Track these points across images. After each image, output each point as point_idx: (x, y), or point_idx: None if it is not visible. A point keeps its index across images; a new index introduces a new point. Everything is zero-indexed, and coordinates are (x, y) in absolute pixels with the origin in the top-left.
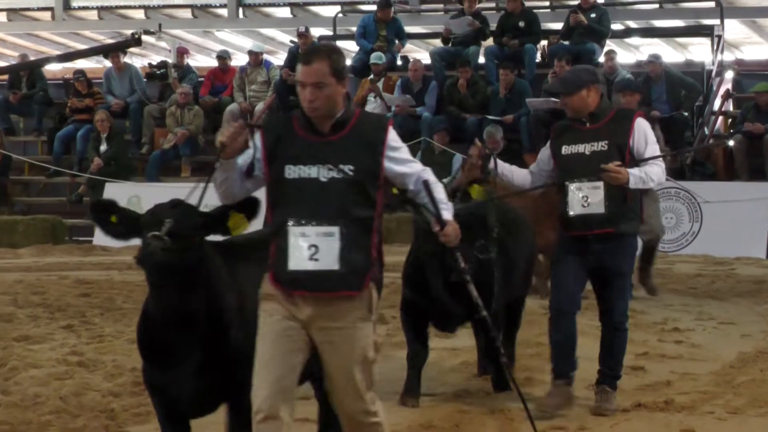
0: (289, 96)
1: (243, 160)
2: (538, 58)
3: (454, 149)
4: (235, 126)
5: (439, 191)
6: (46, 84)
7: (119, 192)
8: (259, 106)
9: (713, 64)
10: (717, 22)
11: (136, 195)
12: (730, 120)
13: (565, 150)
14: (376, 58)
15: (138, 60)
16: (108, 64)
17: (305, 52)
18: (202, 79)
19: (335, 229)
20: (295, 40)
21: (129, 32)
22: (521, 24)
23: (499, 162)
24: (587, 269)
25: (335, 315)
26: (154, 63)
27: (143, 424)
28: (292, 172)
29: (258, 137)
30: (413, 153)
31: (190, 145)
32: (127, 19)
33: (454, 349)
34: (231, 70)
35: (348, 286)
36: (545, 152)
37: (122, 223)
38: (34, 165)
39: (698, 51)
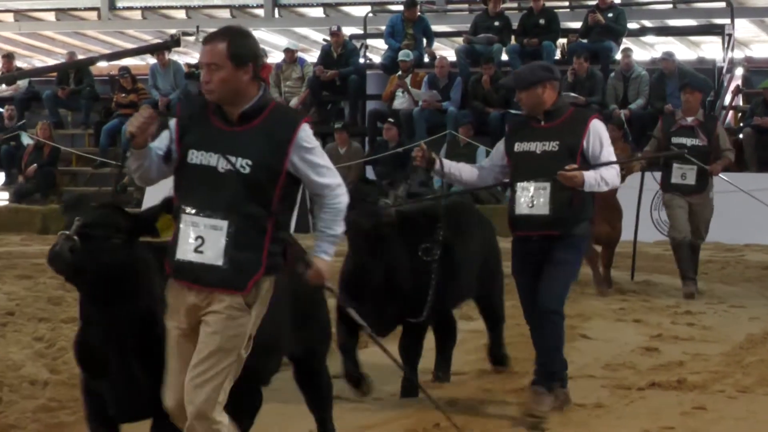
0: (321, 91)
1: (160, 144)
2: (558, 56)
3: (478, 142)
4: (144, 116)
5: (337, 226)
6: (93, 80)
7: (162, 182)
8: (294, 101)
9: (724, 61)
10: (728, 21)
11: None
12: (740, 114)
13: (518, 147)
14: (404, 55)
15: (178, 59)
16: (152, 60)
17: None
18: None
19: (223, 224)
20: (328, 38)
21: (171, 31)
22: (541, 22)
23: (446, 162)
24: (539, 270)
25: (214, 301)
26: (192, 63)
27: None
28: (194, 157)
29: (173, 122)
30: (439, 146)
31: None
32: (169, 19)
33: (477, 330)
34: (267, 67)
35: (230, 285)
36: (500, 147)
37: None
38: (82, 156)
39: (710, 49)
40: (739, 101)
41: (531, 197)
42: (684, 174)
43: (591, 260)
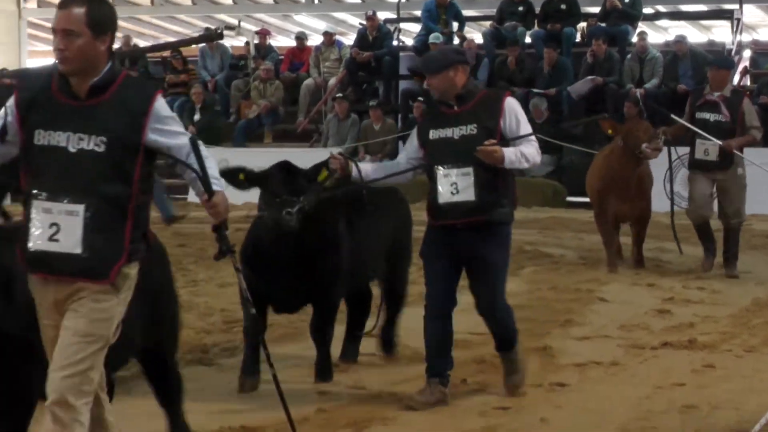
0: (358, 72)
1: None
2: (578, 39)
3: None
4: None
5: (211, 164)
6: (147, 62)
7: (210, 155)
8: (332, 81)
9: (733, 44)
10: (736, 6)
11: (225, 158)
12: (747, 93)
13: (433, 135)
14: (434, 38)
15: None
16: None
17: None
18: (282, 57)
19: (80, 208)
20: (364, 22)
21: (219, 16)
22: (563, 7)
23: (363, 166)
24: (460, 262)
25: (76, 291)
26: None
27: (230, 358)
28: (41, 138)
29: (12, 99)
30: None
31: (272, 115)
32: (216, 5)
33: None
34: (307, 49)
35: (91, 274)
36: (413, 142)
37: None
38: None
39: (720, 32)
40: (747, 81)
41: (453, 184)
42: (707, 150)
43: (607, 243)
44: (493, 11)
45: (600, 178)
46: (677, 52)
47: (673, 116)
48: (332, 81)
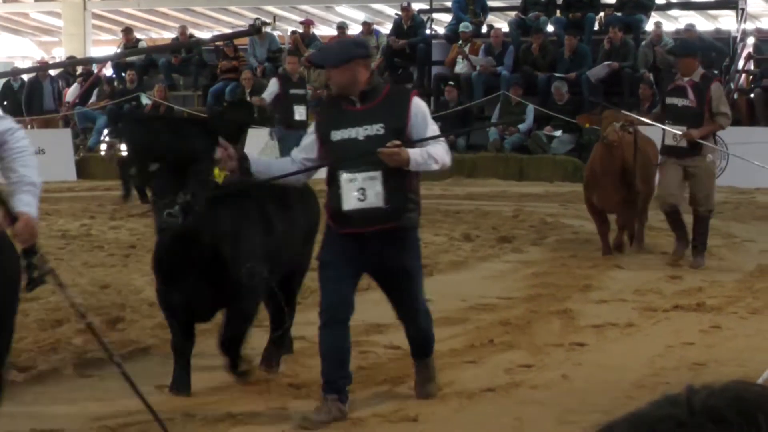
0: (394, 58)
1: None
2: (596, 27)
3: (528, 101)
4: None
5: (33, 173)
6: (201, 50)
7: (259, 136)
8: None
9: (738, 32)
10: None
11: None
12: (751, 77)
13: (335, 135)
14: (464, 26)
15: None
16: None
17: None
18: (325, 45)
19: None
20: (400, 13)
21: (267, 7)
22: None
23: (254, 159)
24: (364, 269)
25: None
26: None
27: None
28: None
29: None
30: (494, 105)
31: (316, 99)
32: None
33: (527, 261)
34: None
35: None
36: (309, 138)
37: None
38: (193, 114)
39: (726, 21)
40: (751, 66)
41: (361, 189)
42: (675, 136)
43: (600, 232)
44: (518, 2)
45: (587, 169)
46: (687, 39)
47: (605, 104)
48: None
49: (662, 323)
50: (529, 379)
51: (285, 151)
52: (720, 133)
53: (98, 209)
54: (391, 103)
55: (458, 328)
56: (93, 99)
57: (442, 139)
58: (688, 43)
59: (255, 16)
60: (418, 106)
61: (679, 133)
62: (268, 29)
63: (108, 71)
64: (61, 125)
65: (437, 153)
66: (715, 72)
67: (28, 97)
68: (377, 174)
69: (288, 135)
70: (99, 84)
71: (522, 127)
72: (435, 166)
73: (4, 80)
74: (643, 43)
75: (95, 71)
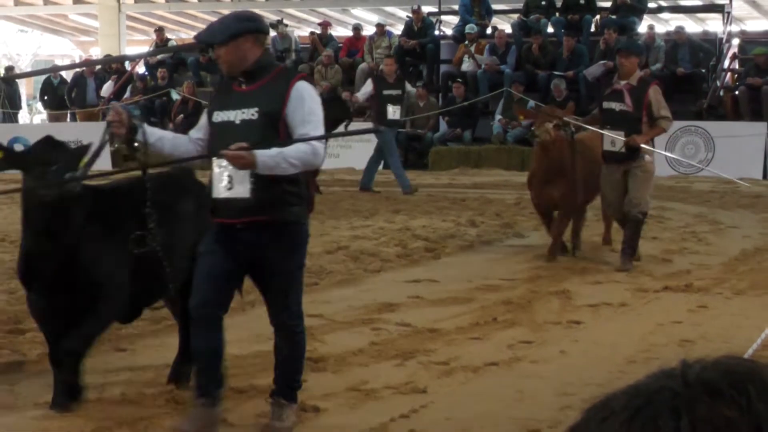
0: (405, 57)
1: None
2: (592, 28)
3: (529, 97)
4: None
5: None
6: None
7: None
8: (382, 66)
9: (724, 33)
10: (727, 1)
11: None
12: (736, 75)
13: (217, 117)
14: (470, 28)
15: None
16: (273, 32)
17: None
18: (341, 45)
19: None
20: (410, 15)
21: (287, 10)
22: (581, 2)
23: (151, 131)
24: (241, 263)
25: None
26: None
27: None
28: None
29: None
30: (497, 101)
31: (332, 95)
32: (286, 1)
33: (528, 245)
34: (362, 39)
35: None
36: (203, 117)
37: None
38: None
39: (713, 24)
40: (736, 65)
41: (228, 177)
42: (613, 141)
43: (547, 229)
44: (520, 5)
45: (530, 167)
46: (677, 41)
47: (537, 104)
48: (382, 65)
49: (653, 303)
50: (530, 354)
51: (386, 147)
52: (707, 127)
53: None
54: (273, 86)
55: (464, 307)
56: (127, 95)
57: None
58: (635, 43)
59: (277, 17)
60: (301, 91)
61: (620, 138)
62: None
63: (141, 69)
64: (100, 118)
65: (296, 155)
66: (703, 70)
67: (72, 91)
68: None
69: (387, 132)
70: (132, 81)
71: (524, 121)
72: (292, 170)
73: (45, 77)
74: (637, 43)
75: (129, 69)
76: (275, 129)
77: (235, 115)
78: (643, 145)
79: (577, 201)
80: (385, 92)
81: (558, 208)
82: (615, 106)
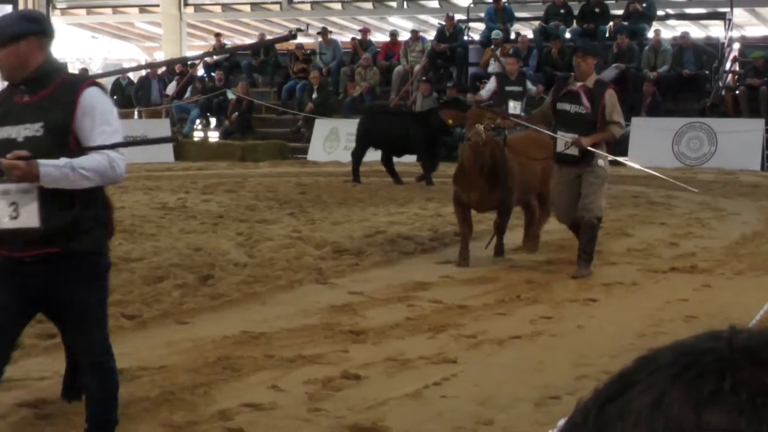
0: (437, 60)
1: None
2: (606, 34)
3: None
4: None
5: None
6: (276, 53)
7: (324, 125)
8: (417, 67)
9: (725, 38)
10: (728, 9)
11: (335, 127)
12: (736, 76)
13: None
14: (495, 34)
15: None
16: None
17: None
18: (379, 49)
19: None
20: (443, 22)
21: (332, 18)
22: (597, 10)
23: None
24: (32, 304)
25: None
26: (307, 51)
27: (340, 278)
28: None
29: None
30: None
31: (371, 94)
32: (330, 10)
33: (548, 231)
34: (398, 43)
35: None
36: None
37: None
38: (269, 107)
39: (715, 30)
40: (736, 67)
41: (13, 204)
42: (567, 143)
43: (461, 231)
44: (541, 13)
45: (458, 165)
46: (682, 45)
47: (485, 105)
48: (417, 67)
49: (661, 282)
50: (550, 328)
51: None
52: (710, 123)
53: (191, 185)
54: (58, 97)
55: (490, 286)
56: (188, 94)
57: (117, 148)
58: (593, 44)
59: (322, 25)
60: (90, 99)
61: (569, 140)
62: (302, 32)
63: (200, 71)
64: (163, 116)
65: (89, 166)
66: (706, 72)
67: (138, 91)
68: (32, 187)
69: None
70: (192, 81)
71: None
72: (86, 183)
73: (114, 78)
74: (646, 47)
75: (190, 71)
76: (65, 145)
77: (18, 132)
78: (594, 150)
79: (512, 202)
80: (507, 89)
81: (481, 209)
82: (569, 107)
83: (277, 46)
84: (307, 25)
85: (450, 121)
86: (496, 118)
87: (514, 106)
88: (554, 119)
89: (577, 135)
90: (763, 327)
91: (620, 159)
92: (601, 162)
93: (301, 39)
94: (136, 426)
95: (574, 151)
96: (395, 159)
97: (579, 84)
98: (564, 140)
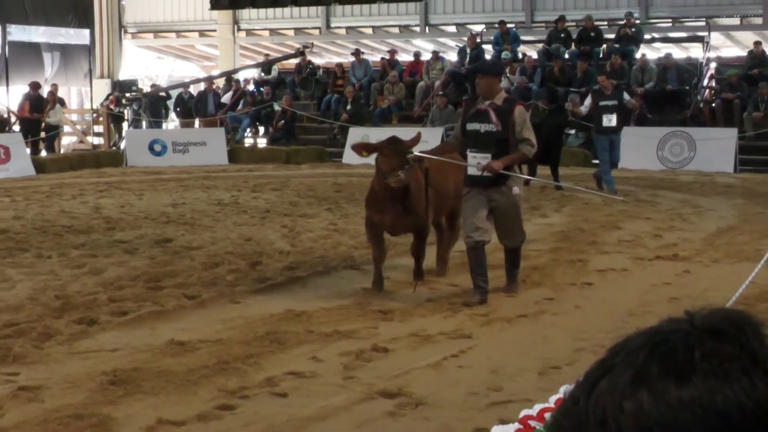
0: (456, 77)
1: None
2: (601, 55)
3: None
4: None
5: None
6: (316, 69)
7: (357, 132)
8: (437, 83)
9: (703, 59)
10: (706, 33)
11: (367, 134)
12: (713, 92)
13: None
14: (505, 54)
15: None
16: (352, 58)
17: None
18: (404, 68)
19: None
20: (459, 44)
21: (366, 41)
22: (592, 34)
23: None
24: None
25: None
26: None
27: (370, 264)
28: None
29: None
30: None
31: (397, 106)
32: (362, 34)
33: (550, 224)
34: (421, 62)
35: None
36: None
37: None
38: (309, 117)
39: (695, 51)
40: (713, 83)
41: None
42: (479, 163)
43: (374, 255)
44: (544, 37)
45: (370, 189)
46: (666, 64)
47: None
48: (437, 83)
49: (648, 269)
50: (551, 308)
51: (599, 150)
52: (690, 132)
53: (243, 184)
54: None
55: (500, 272)
56: (240, 106)
57: None
58: (495, 62)
59: (355, 47)
60: None
61: (480, 162)
62: (308, 51)
63: (250, 87)
64: (218, 125)
65: None
66: (686, 87)
67: (197, 104)
68: None
69: (599, 137)
70: (244, 96)
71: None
72: None
73: (177, 93)
74: (634, 67)
75: (242, 86)
76: None
77: None
78: (507, 173)
79: (428, 224)
80: (602, 103)
81: (395, 233)
82: (479, 127)
83: (318, 62)
84: (312, 43)
85: (364, 153)
86: (405, 158)
87: (608, 119)
88: (465, 140)
89: (489, 155)
90: (716, 307)
91: (526, 177)
92: (516, 189)
93: (337, 59)
94: (196, 390)
95: (490, 173)
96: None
97: (487, 102)
98: (476, 161)
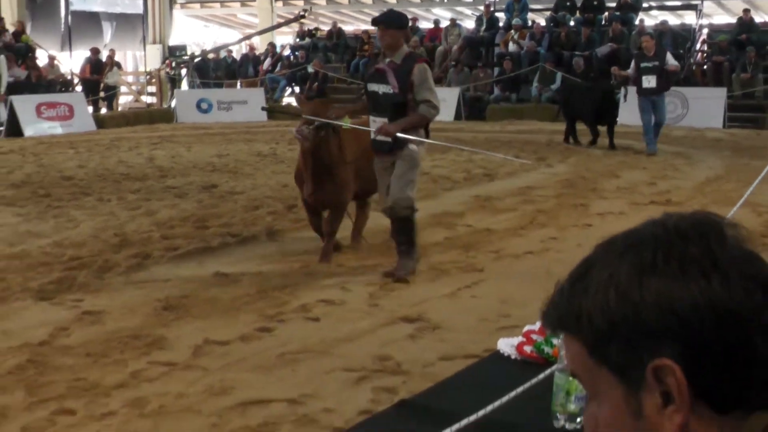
0: (471, 42)
1: None
2: (603, 21)
3: (557, 70)
4: None
5: None
6: (346, 37)
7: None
8: (454, 48)
9: (696, 25)
10: (699, 1)
11: None
12: (705, 55)
13: None
14: (516, 21)
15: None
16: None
17: None
18: (425, 34)
19: None
20: (476, 12)
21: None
22: (595, 3)
23: None
24: None
25: None
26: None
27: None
28: None
29: None
30: (535, 73)
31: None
32: (387, 3)
33: (556, 173)
34: (440, 29)
35: None
36: None
37: None
38: (339, 78)
39: (689, 18)
40: (705, 47)
41: None
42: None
43: (313, 227)
44: (551, 5)
45: (298, 162)
46: (662, 30)
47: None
48: (455, 48)
49: (643, 212)
50: (555, 246)
51: (640, 111)
52: (683, 91)
53: (280, 138)
54: None
55: (510, 214)
56: (278, 69)
57: None
58: (400, 14)
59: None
60: None
61: (375, 126)
62: (306, 15)
63: (287, 52)
64: (258, 85)
65: None
66: (681, 51)
67: (240, 67)
68: None
69: (641, 99)
70: (281, 59)
71: (553, 86)
72: None
73: (222, 57)
74: (633, 32)
75: (279, 51)
76: None
77: None
78: (405, 135)
79: (346, 199)
80: (643, 65)
81: (327, 208)
82: (377, 88)
83: (346, 30)
84: (311, 7)
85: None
86: (319, 117)
87: (648, 81)
88: (368, 102)
89: (387, 119)
90: (691, 212)
91: (426, 140)
92: (412, 146)
93: (364, 26)
94: (238, 314)
95: (387, 138)
96: None
97: (387, 60)
98: (376, 125)
